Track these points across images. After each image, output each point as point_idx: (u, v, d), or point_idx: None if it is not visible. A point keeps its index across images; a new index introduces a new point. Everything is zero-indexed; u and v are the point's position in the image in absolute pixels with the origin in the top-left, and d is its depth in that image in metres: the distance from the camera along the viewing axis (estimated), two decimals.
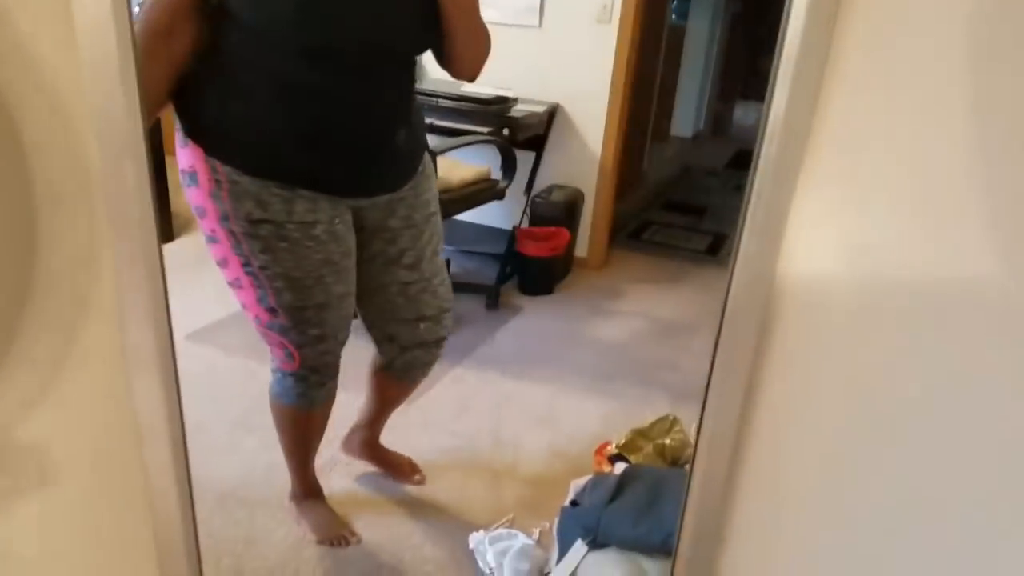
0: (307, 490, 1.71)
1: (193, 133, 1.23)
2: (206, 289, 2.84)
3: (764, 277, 0.76)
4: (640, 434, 1.80)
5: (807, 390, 0.83)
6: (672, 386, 2.42)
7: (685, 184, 5.05)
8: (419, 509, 1.79)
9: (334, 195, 1.29)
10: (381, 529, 1.72)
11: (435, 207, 1.46)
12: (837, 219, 0.74)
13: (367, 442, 1.85)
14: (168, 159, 3.22)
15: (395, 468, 1.88)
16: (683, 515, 0.95)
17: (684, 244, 3.85)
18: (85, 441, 0.69)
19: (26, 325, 0.64)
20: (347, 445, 1.88)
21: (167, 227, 3.23)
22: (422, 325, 1.52)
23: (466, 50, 1.27)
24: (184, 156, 1.26)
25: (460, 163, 2.71)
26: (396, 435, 1.90)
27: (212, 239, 1.29)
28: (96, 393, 0.68)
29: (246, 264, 1.28)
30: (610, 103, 3.10)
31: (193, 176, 1.25)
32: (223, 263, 1.31)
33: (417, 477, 1.87)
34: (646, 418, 1.99)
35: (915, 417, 0.80)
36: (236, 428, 2.03)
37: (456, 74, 1.31)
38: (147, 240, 0.65)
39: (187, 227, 3.42)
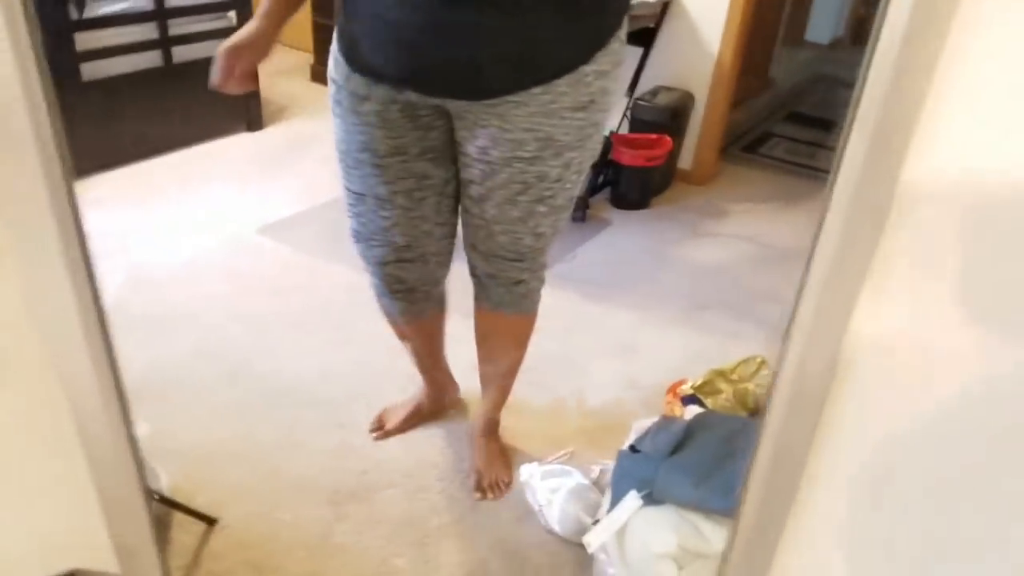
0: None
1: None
2: (285, 183, 2.77)
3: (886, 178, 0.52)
4: (721, 375, 1.57)
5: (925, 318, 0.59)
6: (770, 322, 2.14)
7: (816, 95, 4.49)
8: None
9: (381, 82, 1.10)
10: (428, 448, 1.61)
11: (534, 151, 1.10)
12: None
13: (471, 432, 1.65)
14: None
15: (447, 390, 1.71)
16: (748, 477, 0.75)
17: (807, 161, 3.41)
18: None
19: None
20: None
21: (256, 116, 3.16)
22: (475, 255, 1.29)
23: None
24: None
25: None
26: (461, 348, 1.75)
27: None
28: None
29: None
30: None
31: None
32: None
33: (448, 399, 1.71)
34: (733, 354, 1.75)
35: None
36: (295, 329, 1.96)
37: None
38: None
39: (277, 115, 3.35)
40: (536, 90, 1.04)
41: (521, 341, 1.46)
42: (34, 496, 0.63)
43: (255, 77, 1.18)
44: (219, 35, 2.82)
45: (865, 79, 0.55)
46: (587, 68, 1.05)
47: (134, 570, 0.70)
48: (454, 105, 1.11)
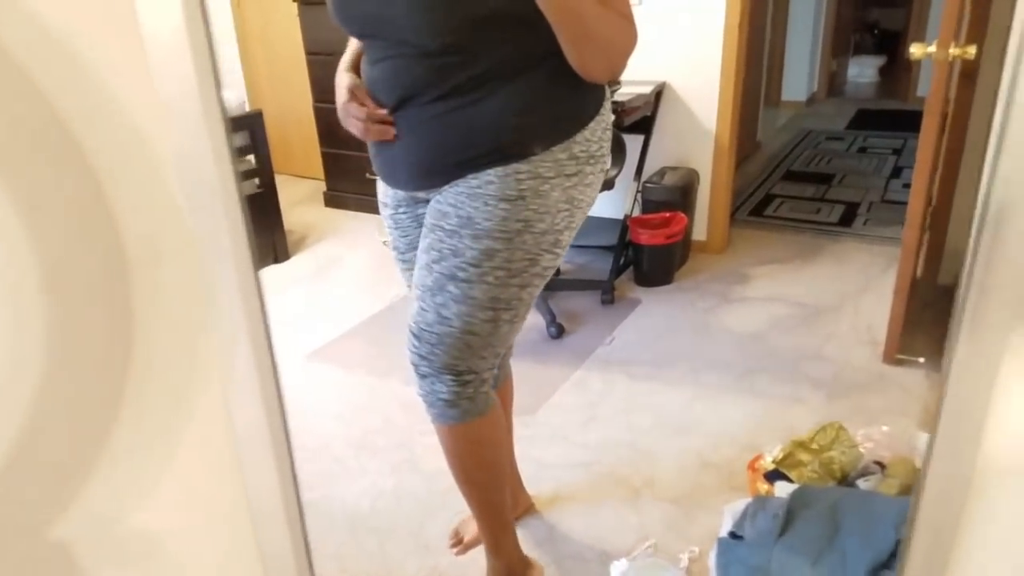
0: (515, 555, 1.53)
1: None
2: (321, 308, 2.86)
3: None
4: (800, 446, 1.59)
5: None
6: (822, 380, 2.17)
7: (805, 151, 4.67)
8: (552, 532, 1.67)
9: (385, 180, 1.30)
10: None
11: (455, 226, 1.14)
12: None
13: None
14: (278, 178, 3.30)
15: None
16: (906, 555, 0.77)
17: (813, 216, 3.53)
18: (200, 527, 0.61)
19: (129, 403, 0.56)
20: None
21: (281, 247, 3.29)
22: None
23: (581, 55, 1.04)
24: None
25: None
26: (521, 448, 1.78)
27: None
28: (209, 476, 0.59)
29: None
30: (723, 72, 2.85)
31: None
32: None
33: (522, 502, 1.70)
34: (797, 418, 1.78)
35: None
36: (360, 451, 1.99)
37: (586, 78, 1.09)
38: (248, 299, 0.55)
39: (300, 244, 3.48)
40: (469, 175, 1.13)
41: (452, 454, 1.35)
42: None
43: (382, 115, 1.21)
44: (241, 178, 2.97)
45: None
46: (521, 167, 1.10)
47: None
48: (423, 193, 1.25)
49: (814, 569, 1.07)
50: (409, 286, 1.33)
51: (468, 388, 1.23)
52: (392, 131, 1.16)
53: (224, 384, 0.58)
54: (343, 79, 1.23)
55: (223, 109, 0.56)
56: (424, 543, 1.66)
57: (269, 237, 3.22)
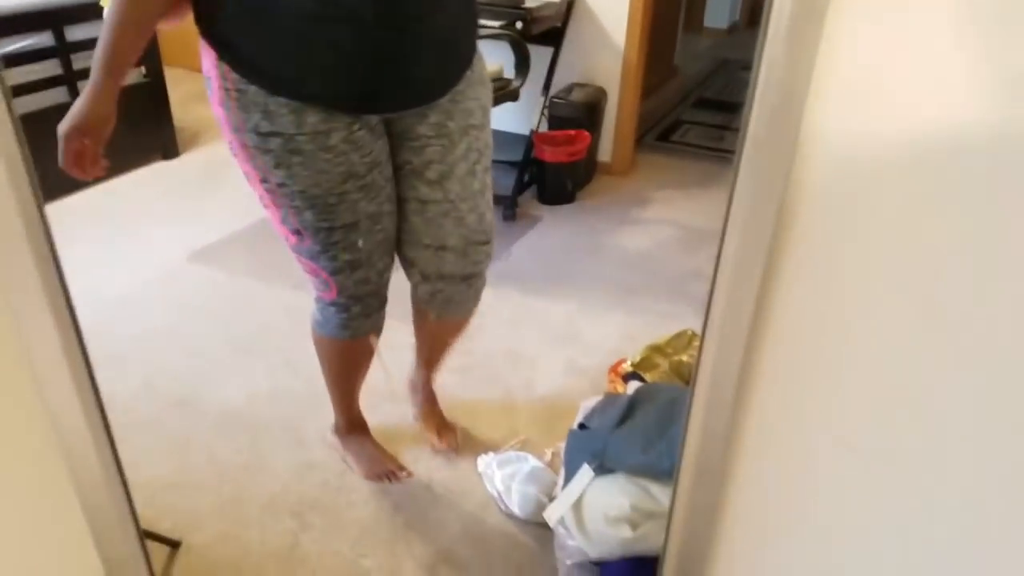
0: (352, 425, 1.61)
1: (206, 34, 1.09)
2: (209, 208, 2.75)
3: (783, 149, 0.61)
4: (656, 350, 1.67)
5: (830, 293, 0.68)
6: (699, 298, 2.27)
7: (720, 80, 4.71)
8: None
9: (350, 113, 1.11)
10: (388, 449, 1.65)
11: (480, 119, 1.22)
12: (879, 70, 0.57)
13: (414, 385, 1.71)
14: (169, 71, 3.09)
15: (430, 427, 1.70)
16: (684, 441, 0.84)
17: (718, 144, 3.60)
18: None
19: None
20: (410, 384, 1.73)
21: (171, 143, 3.11)
22: (444, 255, 1.30)
23: None
24: (203, 59, 1.12)
25: None
26: (406, 354, 1.80)
27: (232, 151, 1.17)
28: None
29: (264, 180, 1.15)
30: None
31: (208, 82, 1.12)
32: (246, 177, 1.19)
33: (445, 446, 1.67)
34: (670, 332, 1.86)
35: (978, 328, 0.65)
36: (238, 352, 1.96)
37: None
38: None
39: (192, 142, 3.30)
40: (471, 67, 1.20)
41: (463, 331, 1.53)
42: (28, 530, 0.65)
43: (101, 160, 1.13)
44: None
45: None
46: (478, 52, 1.24)
47: None
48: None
49: (644, 454, 1.15)
50: (370, 216, 1.20)
51: None
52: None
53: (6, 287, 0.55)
54: (87, 100, 1.09)
55: None
56: (299, 438, 1.67)
57: (156, 131, 3.04)
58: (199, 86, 4.07)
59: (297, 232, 1.19)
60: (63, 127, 1.08)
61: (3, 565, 0.65)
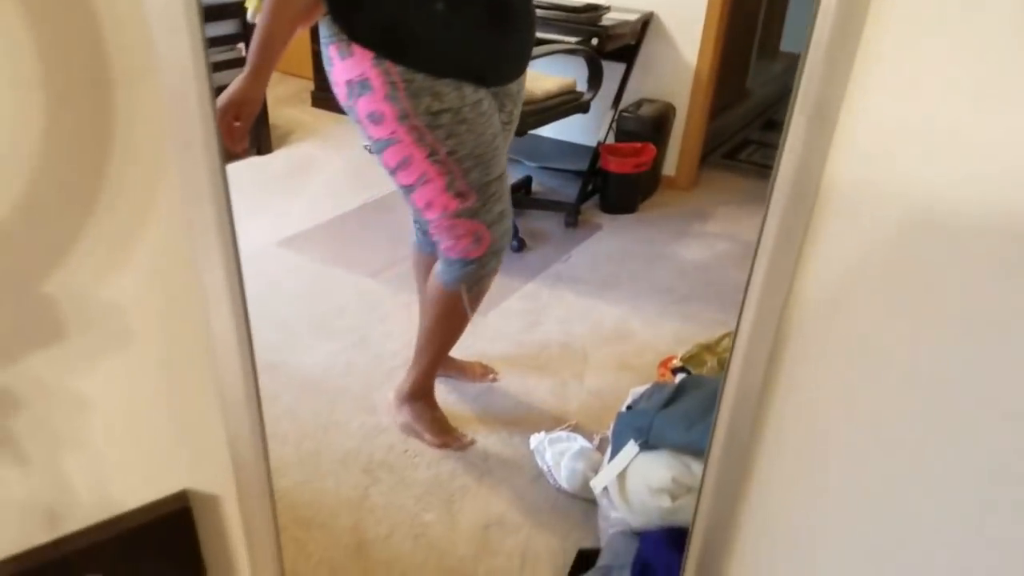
0: (428, 391, 1.77)
1: (362, 39, 1.28)
2: (296, 200, 2.98)
3: (813, 170, 0.73)
4: (706, 348, 1.78)
5: (853, 295, 0.79)
6: None
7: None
8: (486, 411, 1.87)
9: (492, 86, 1.40)
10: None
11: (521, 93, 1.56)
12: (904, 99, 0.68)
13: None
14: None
15: (467, 371, 1.95)
16: (716, 416, 0.95)
17: None
18: (157, 305, 0.76)
19: (104, 196, 0.70)
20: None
21: (265, 140, 3.37)
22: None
23: None
24: (347, 68, 1.32)
25: (543, 74, 2.66)
26: (464, 344, 1.96)
27: (390, 142, 1.35)
28: (167, 263, 0.74)
29: (432, 154, 1.35)
30: (708, 9, 2.92)
31: (364, 84, 1.31)
32: (404, 164, 1.37)
33: (491, 376, 1.95)
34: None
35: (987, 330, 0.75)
36: (319, 329, 2.16)
37: None
38: (207, 129, 0.69)
39: (284, 140, 3.56)
40: None
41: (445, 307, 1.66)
42: (150, 414, 0.82)
43: (246, 136, 1.33)
44: (228, 66, 3.04)
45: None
46: None
47: (246, 486, 0.90)
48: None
49: (688, 432, 1.26)
50: (504, 171, 1.47)
51: None
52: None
53: (183, 190, 0.72)
54: (241, 81, 1.31)
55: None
56: (369, 406, 1.85)
57: (253, 128, 3.30)
58: (291, 89, 4.35)
59: (461, 194, 1.41)
60: (220, 102, 1.27)
61: (155, 453, 0.83)
